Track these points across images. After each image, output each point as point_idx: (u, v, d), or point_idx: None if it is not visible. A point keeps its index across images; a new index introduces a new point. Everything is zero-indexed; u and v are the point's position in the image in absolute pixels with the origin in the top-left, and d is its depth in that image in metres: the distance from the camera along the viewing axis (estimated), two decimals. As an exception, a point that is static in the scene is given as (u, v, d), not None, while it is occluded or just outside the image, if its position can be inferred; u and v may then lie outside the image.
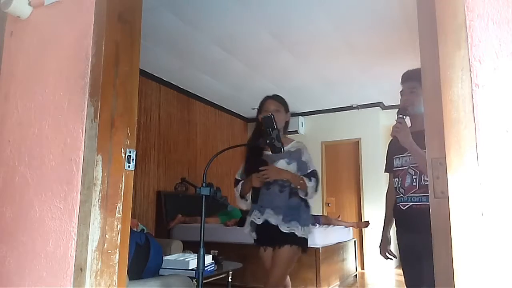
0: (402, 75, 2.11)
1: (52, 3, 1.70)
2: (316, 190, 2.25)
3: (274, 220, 2.21)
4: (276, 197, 2.26)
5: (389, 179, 2.14)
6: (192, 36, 3.92)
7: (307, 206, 2.32)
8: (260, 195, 2.30)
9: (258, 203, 2.31)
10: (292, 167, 2.28)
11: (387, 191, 2.17)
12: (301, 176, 2.24)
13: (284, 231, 2.20)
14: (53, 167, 1.53)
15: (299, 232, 2.22)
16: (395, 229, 2.07)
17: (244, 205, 2.42)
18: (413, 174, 1.85)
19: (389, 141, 2.18)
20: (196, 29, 3.78)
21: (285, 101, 2.41)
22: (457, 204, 0.92)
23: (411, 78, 2.03)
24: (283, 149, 1.98)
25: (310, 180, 2.23)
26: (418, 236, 1.56)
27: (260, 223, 2.27)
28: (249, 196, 2.36)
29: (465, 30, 0.98)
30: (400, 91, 2.06)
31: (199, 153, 5.80)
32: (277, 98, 2.40)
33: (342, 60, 4.56)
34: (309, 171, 2.26)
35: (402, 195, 1.90)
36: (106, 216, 1.42)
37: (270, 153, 2.19)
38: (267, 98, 2.42)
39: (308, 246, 2.32)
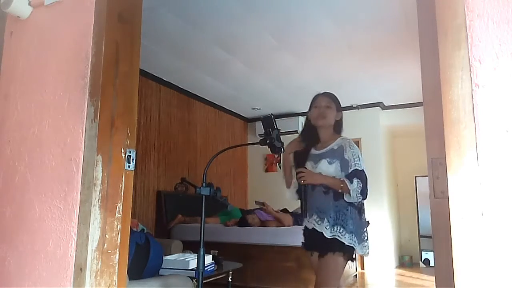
0: None
1: (52, 3, 1.70)
2: (361, 193, 2.00)
3: (318, 227, 2.06)
4: (321, 199, 2.09)
5: None
6: (193, 36, 3.92)
7: (359, 211, 2.10)
8: (307, 197, 2.15)
9: (307, 205, 2.17)
10: (335, 167, 2.07)
11: None
12: (342, 179, 2.02)
13: (328, 237, 2.01)
14: (53, 167, 1.52)
15: (345, 240, 2.01)
16: None
17: (289, 194, 2.31)
18: None
19: None
20: (196, 29, 3.78)
21: (337, 99, 2.27)
22: (457, 204, 0.92)
23: None
24: (283, 149, 1.96)
25: (352, 182, 1.99)
26: None
27: (310, 228, 2.13)
28: (293, 188, 2.25)
29: (465, 30, 0.98)
30: None
31: (199, 153, 5.80)
32: (328, 95, 2.26)
33: (342, 60, 4.55)
34: (350, 170, 2.03)
35: None
36: (106, 216, 1.42)
37: (317, 151, 2.13)
38: (318, 95, 2.28)
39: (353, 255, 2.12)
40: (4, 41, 1.84)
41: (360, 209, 2.11)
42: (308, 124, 2.26)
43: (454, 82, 0.97)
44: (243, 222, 4.78)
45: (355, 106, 6.29)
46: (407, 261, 6.62)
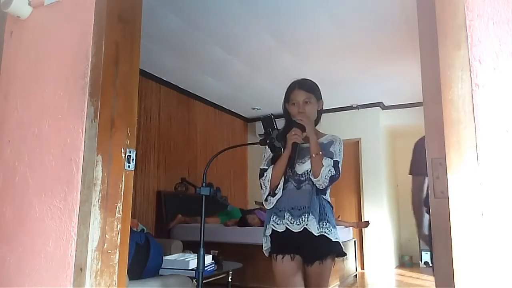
0: None
1: (52, 3, 1.70)
2: (330, 179, 1.85)
3: (315, 228, 1.85)
4: (309, 197, 1.90)
5: (415, 181, 2.09)
6: (193, 36, 3.92)
7: (332, 207, 2.03)
8: (289, 194, 1.93)
9: (286, 203, 1.92)
10: None
11: (415, 194, 2.11)
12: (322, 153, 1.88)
13: (332, 239, 1.88)
14: (53, 167, 1.53)
15: (338, 239, 1.93)
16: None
17: (272, 203, 1.96)
18: None
19: (417, 140, 2.13)
20: (196, 29, 3.78)
21: (316, 87, 2.03)
22: (457, 204, 0.92)
23: None
24: (283, 150, 1.94)
25: (329, 161, 1.87)
26: None
27: (297, 230, 1.86)
28: (279, 189, 1.92)
29: (465, 30, 0.98)
30: None
31: (199, 153, 5.80)
32: (306, 86, 1.99)
33: (342, 60, 4.56)
34: (333, 159, 1.92)
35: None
36: (106, 216, 1.42)
37: (304, 144, 1.95)
38: (295, 85, 2.00)
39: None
40: (4, 41, 1.84)
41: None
42: (289, 120, 2.03)
43: (454, 82, 0.97)
44: (243, 222, 4.78)
45: (355, 106, 6.29)
46: (407, 261, 6.62)
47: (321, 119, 2.10)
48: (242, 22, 3.66)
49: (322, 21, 3.63)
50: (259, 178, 1.99)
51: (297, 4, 3.33)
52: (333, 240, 1.90)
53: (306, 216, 1.87)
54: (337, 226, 2.01)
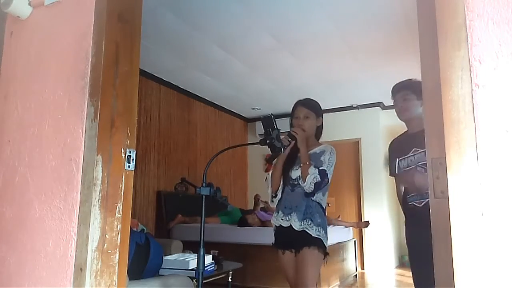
0: (392, 89, 2.31)
1: (52, 3, 1.70)
2: (315, 186, 2.09)
3: (297, 224, 2.13)
4: (299, 198, 2.18)
5: (397, 182, 2.34)
6: (192, 36, 3.92)
7: (322, 208, 2.25)
8: (286, 196, 2.23)
9: (282, 203, 2.24)
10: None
11: (400, 194, 2.34)
12: (311, 162, 2.14)
13: (313, 235, 2.11)
14: (53, 167, 1.53)
15: (314, 232, 2.13)
16: (405, 227, 2.21)
17: (274, 203, 2.32)
18: (424, 171, 1.92)
19: (389, 143, 2.40)
20: (196, 29, 3.78)
21: (316, 106, 2.33)
22: (457, 204, 0.92)
23: (403, 88, 2.25)
24: (283, 150, 1.98)
25: (314, 169, 2.10)
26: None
27: (286, 225, 2.18)
28: (279, 192, 2.26)
29: (465, 30, 0.98)
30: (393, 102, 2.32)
31: (199, 153, 5.80)
32: (307, 104, 2.31)
33: (342, 60, 4.55)
34: (320, 168, 2.13)
35: (415, 194, 2.02)
36: (106, 216, 1.42)
37: (299, 154, 2.17)
38: (298, 103, 2.33)
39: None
40: (4, 41, 1.84)
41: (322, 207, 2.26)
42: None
43: (454, 82, 0.97)
44: (243, 222, 4.78)
45: (355, 106, 6.28)
46: (407, 261, 6.61)
47: (321, 133, 2.37)
48: (242, 22, 3.66)
49: (322, 21, 3.63)
50: (265, 181, 2.38)
51: (297, 4, 3.33)
52: (313, 235, 2.11)
53: (292, 214, 2.16)
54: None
